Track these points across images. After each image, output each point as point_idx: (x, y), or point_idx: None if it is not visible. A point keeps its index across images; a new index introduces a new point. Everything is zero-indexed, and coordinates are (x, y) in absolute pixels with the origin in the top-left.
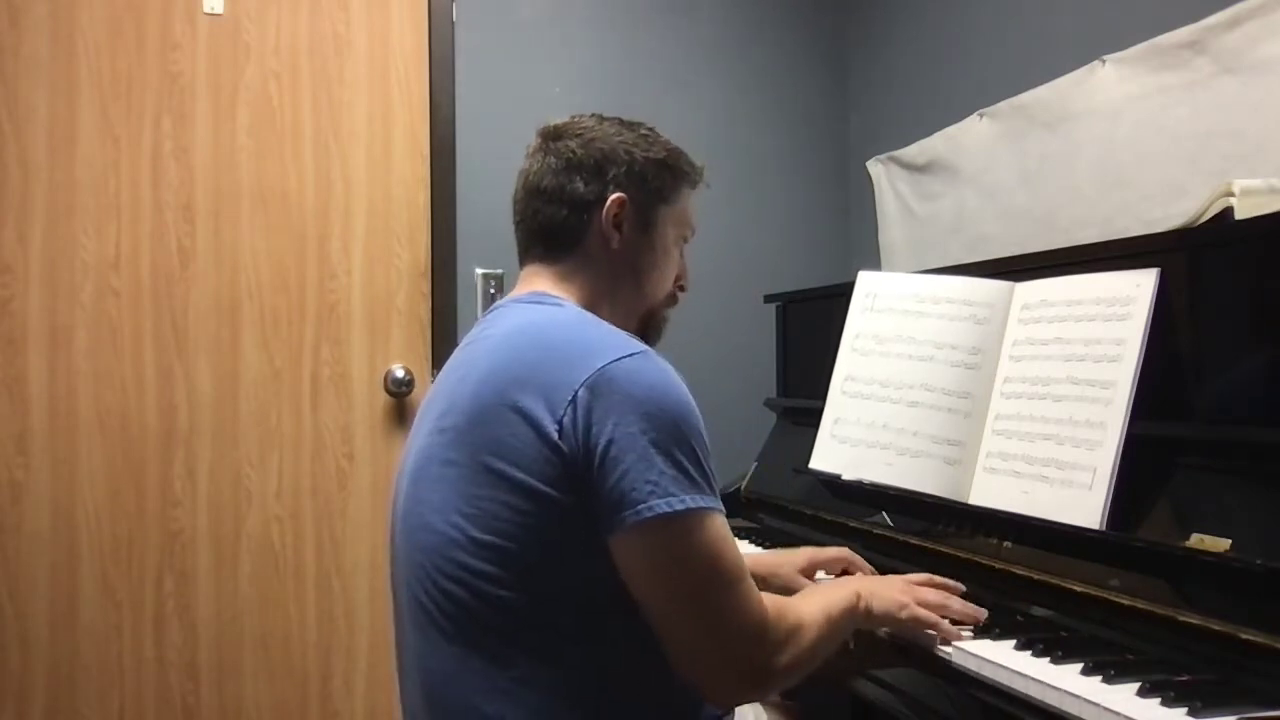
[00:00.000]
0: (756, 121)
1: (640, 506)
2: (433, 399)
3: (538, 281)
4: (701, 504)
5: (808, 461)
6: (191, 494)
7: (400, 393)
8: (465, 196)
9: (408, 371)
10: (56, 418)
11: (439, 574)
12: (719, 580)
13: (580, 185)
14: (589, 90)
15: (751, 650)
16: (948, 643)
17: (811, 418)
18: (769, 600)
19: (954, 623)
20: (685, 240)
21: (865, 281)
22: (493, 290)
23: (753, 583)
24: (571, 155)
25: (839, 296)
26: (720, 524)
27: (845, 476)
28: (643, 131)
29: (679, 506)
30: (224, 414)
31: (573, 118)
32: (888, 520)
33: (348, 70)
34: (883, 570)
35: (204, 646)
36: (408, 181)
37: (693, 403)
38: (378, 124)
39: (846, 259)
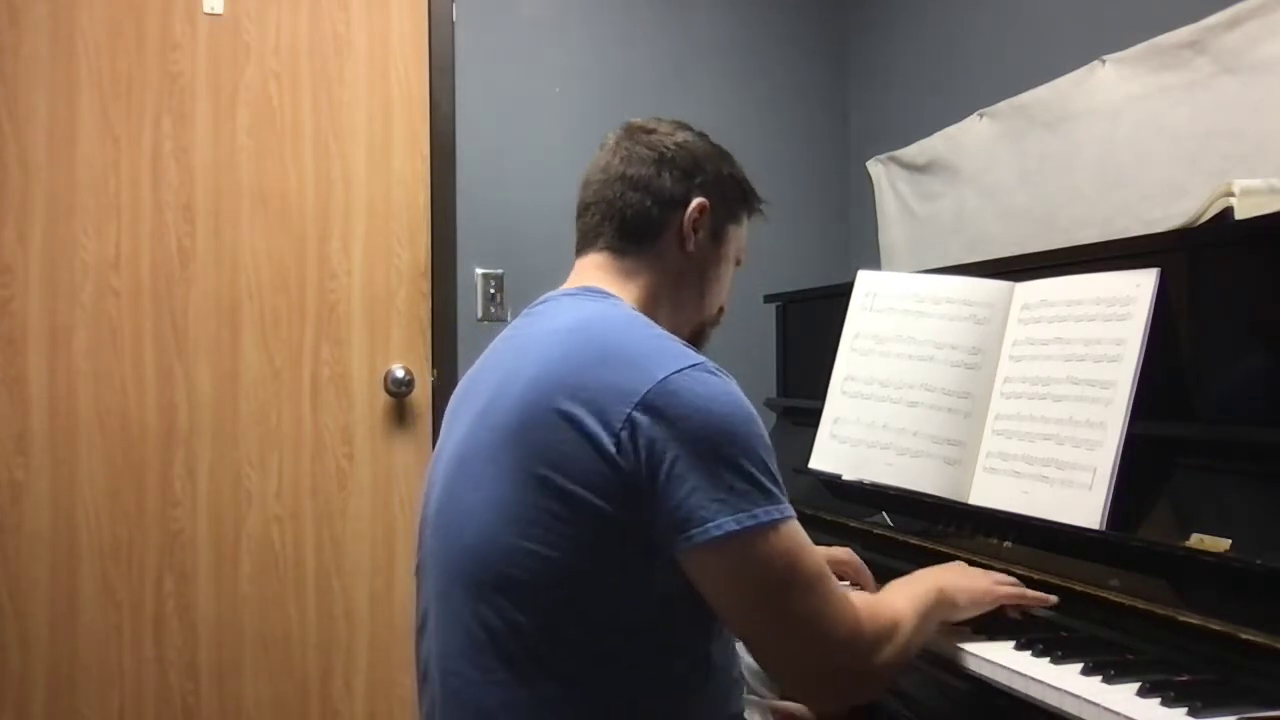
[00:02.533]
0: (756, 121)
1: (709, 525)
2: (473, 390)
3: (596, 274)
4: (775, 515)
5: (808, 461)
6: (191, 494)
7: (400, 393)
8: (465, 196)
9: (408, 371)
10: (56, 418)
11: (474, 579)
12: (801, 585)
13: (669, 181)
14: (589, 90)
15: (848, 651)
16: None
17: (811, 418)
18: (858, 599)
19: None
20: (738, 264)
21: (865, 281)
22: (493, 290)
23: (837, 583)
24: (665, 150)
25: (839, 296)
26: (795, 529)
27: (845, 477)
28: (723, 151)
29: (749, 523)
30: (224, 414)
31: (657, 120)
32: (888, 520)
33: (348, 70)
34: (884, 570)
35: (204, 646)
36: (408, 181)
37: (753, 411)
38: (378, 124)
39: (846, 259)
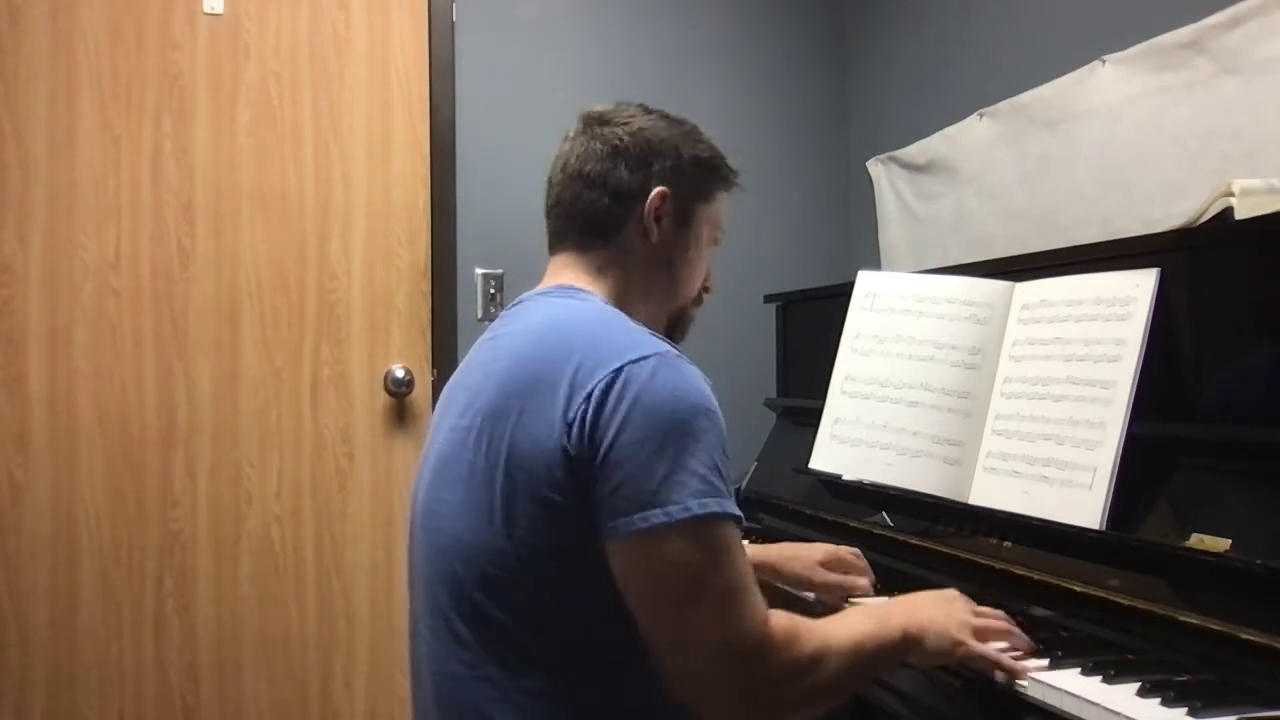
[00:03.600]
0: (757, 121)
1: (635, 516)
2: (454, 392)
3: (567, 273)
4: (713, 509)
5: (808, 461)
6: (191, 494)
7: (400, 393)
8: (465, 196)
9: (408, 371)
10: (56, 418)
11: (455, 578)
12: (713, 592)
13: (624, 174)
14: (589, 90)
15: (746, 673)
16: (1018, 676)
17: (811, 418)
18: (786, 621)
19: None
20: (715, 242)
21: (865, 281)
22: (493, 290)
23: (758, 600)
24: (619, 142)
25: (839, 296)
26: (728, 532)
27: (845, 477)
28: (687, 128)
29: (680, 515)
30: (224, 414)
31: (617, 105)
32: (888, 520)
33: (348, 70)
34: (884, 570)
35: (204, 646)
36: (408, 181)
37: (713, 405)
38: (378, 124)
39: (846, 259)
